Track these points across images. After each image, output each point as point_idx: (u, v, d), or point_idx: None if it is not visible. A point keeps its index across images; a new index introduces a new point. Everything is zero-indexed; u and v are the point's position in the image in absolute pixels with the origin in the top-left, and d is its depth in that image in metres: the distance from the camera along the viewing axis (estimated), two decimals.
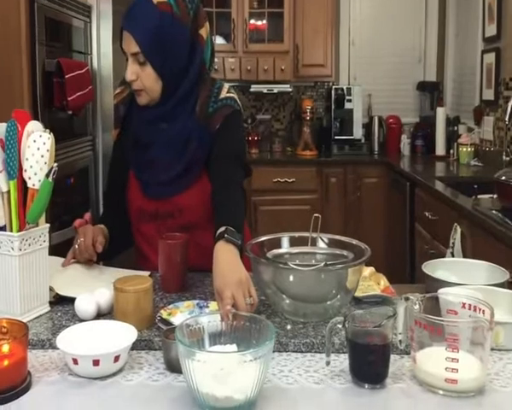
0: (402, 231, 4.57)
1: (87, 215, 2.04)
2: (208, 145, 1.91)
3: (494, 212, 3.05)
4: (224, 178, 1.84)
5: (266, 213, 4.91)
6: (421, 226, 4.19)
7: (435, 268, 1.92)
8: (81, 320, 1.59)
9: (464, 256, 3.20)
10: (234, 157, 1.89)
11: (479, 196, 3.43)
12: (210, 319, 1.39)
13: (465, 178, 4.35)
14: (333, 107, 5.40)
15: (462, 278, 1.80)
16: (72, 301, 1.66)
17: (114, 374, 1.40)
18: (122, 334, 1.45)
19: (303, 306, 1.62)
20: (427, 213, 3.93)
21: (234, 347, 1.31)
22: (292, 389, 1.36)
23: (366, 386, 1.36)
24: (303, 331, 1.57)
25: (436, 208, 3.79)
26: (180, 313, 1.63)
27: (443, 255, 3.44)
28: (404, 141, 5.46)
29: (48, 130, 1.61)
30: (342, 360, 1.46)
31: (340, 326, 1.38)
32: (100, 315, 1.64)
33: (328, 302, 1.62)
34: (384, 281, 1.86)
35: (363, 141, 5.48)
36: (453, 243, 3.42)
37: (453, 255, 3.35)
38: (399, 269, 4.55)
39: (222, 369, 1.21)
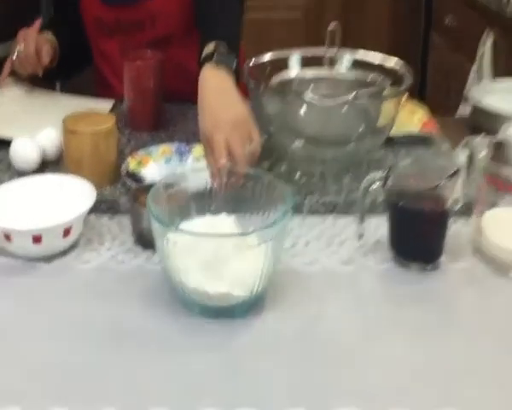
0: (413, 41, 4.16)
1: (37, 23, 1.63)
2: None
3: None
4: None
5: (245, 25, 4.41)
6: (438, 35, 3.79)
7: (479, 94, 1.57)
8: (18, 174, 1.24)
9: (495, 74, 2.85)
10: None
11: None
12: (196, 175, 1.05)
13: None
14: None
15: None
16: (5, 144, 1.31)
17: (64, 253, 1.08)
18: (75, 194, 1.12)
19: (320, 150, 1.28)
20: (447, 20, 3.53)
21: (231, 220, 0.98)
22: (311, 272, 1.05)
23: (413, 267, 1.05)
24: (321, 186, 1.24)
25: (461, 11, 3.38)
26: (153, 163, 1.29)
27: (464, 72, 3.08)
28: None
29: None
30: (376, 227, 1.14)
31: (378, 185, 1.05)
32: (45, 165, 1.29)
33: (354, 145, 1.28)
34: (422, 112, 1.51)
35: None
36: (481, 57, 3.07)
37: (480, 73, 3.01)
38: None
39: (216, 258, 0.89)
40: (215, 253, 0.89)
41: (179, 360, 0.88)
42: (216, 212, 1.02)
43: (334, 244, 1.12)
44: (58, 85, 1.73)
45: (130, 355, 0.89)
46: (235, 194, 1.04)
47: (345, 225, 1.16)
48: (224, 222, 0.97)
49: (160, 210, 0.94)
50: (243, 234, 0.89)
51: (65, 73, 1.65)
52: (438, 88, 3.70)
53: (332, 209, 1.20)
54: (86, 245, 1.10)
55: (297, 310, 0.96)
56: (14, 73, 1.57)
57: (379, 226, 1.14)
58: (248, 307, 0.94)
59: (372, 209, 1.15)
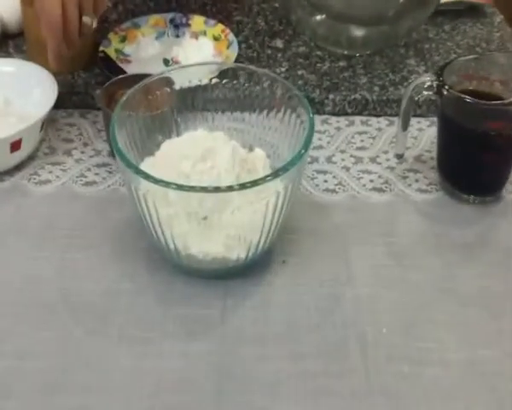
0: None
1: None
2: None
3: None
4: None
5: None
6: None
7: None
8: None
9: None
10: None
11: None
12: (187, 73, 0.71)
13: None
14: None
15: None
16: None
17: (17, 168, 0.76)
18: (33, 89, 0.78)
19: (347, 28, 0.92)
20: None
21: (231, 147, 0.65)
22: (333, 203, 0.73)
23: (470, 199, 0.72)
24: (347, 76, 0.90)
25: None
26: (142, 38, 0.94)
27: None
28: None
29: None
30: (419, 135, 0.82)
31: (428, 93, 0.71)
32: (7, 39, 0.95)
33: (391, 23, 0.92)
34: None
35: None
36: None
37: None
38: None
39: (207, 211, 0.57)
40: (205, 206, 0.57)
41: (151, 348, 0.58)
42: (213, 117, 0.69)
43: (364, 162, 0.79)
44: None
45: (84, 335, 0.59)
46: (235, 95, 0.70)
47: (378, 130, 0.83)
48: (222, 148, 0.64)
49: (130, 135, 0.61)
50: (247, 187, 0.56)
51: None
52: None
53: (361, 109, 0.86)
54: (47, 156, 0.78)
55: (315, 269, 0.65)
56: None
57: (422, 134, 0.82)
58: (249, 268, 0.63)
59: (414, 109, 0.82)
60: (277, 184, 0.56)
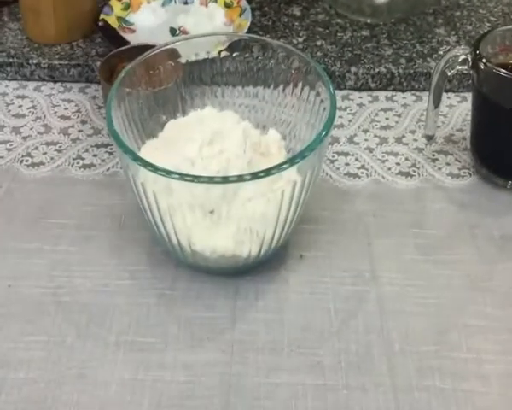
0: None
1: None
2: None
3: None
4: None
5: None
6: None
7: None
8: None
9: None
10: None
11: None
12: (193, 44, 0.65)
13: None
14: None
15: None
16: None
17: (6, 150, 0.70)
18: None
19: None
20: None
21: (241, 128, 0.58)
22: (355, 189, 0.67)
23: (508, 184, 0.66)
24: (370, 47, 0.83)
25: None
26: (147, 4, 0.88)
27: None
28: None
29: None
30: (449, 112, 0.75)
31: (462, 68, 0.64)
32: (3, 5, 0.88)
33: None
34: None
35: None
36: None
37: None
38: None
39: (215, 203, 0.51)
40: (212, 198, 0.51)
41: (152, 356, 0.52)
42: (222, 93, 0.63)
43: (389, 142, 0.72)
44: None
45: (77, 341, 0.53)
46: (246, 69, 0.64)
47: (404, 109, 0.77)
48: (232, 130, 0.58)
49: (129, 115, 0.55)
50: (260, 176, 0.49)
51: None
52: None
53: (386, 84, 0.79)
54: (41, 135, 0.72)
55: (335, 265, 0.59)
56: None
57: (453, 112, 0.75)
58: (262, 264, 0.57)
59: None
60: (294, 173, 0.50)
